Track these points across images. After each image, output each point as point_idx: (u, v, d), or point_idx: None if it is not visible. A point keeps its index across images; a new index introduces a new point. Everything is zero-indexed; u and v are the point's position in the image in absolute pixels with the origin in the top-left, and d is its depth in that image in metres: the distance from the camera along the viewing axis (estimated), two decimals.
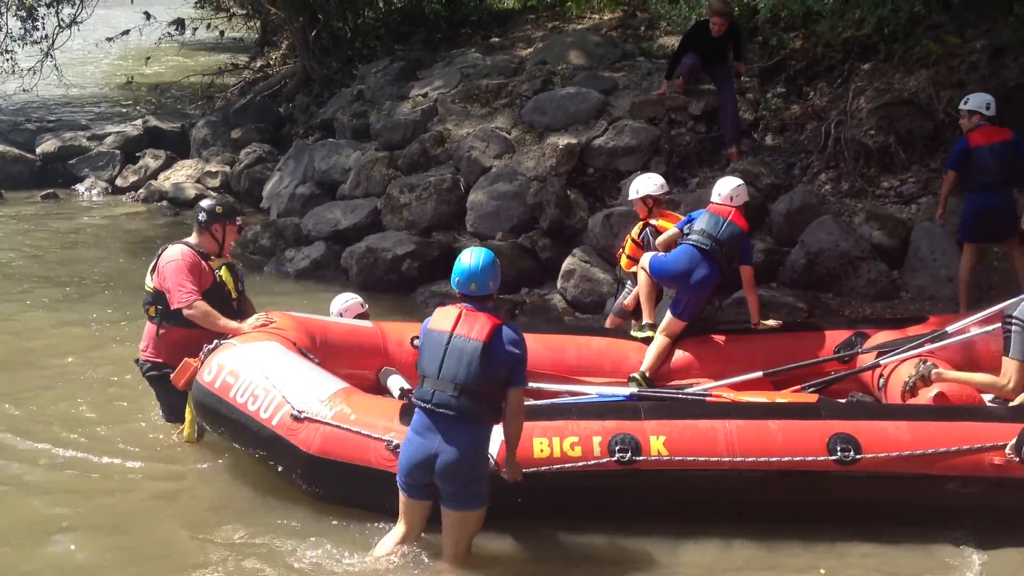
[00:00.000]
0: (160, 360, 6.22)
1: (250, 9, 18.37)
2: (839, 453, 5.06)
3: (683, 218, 7.14)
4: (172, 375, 5.99)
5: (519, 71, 11.99)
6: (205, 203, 6.45)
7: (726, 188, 6.88)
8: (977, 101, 7.70)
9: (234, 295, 6.37)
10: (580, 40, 12.34)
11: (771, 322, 6.95)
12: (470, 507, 4.64)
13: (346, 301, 6.98)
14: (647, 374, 6.52)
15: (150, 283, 6.23)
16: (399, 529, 4.86)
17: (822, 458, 5.07)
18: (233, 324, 6.08)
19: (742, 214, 6.82)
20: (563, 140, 10.07)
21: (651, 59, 11.64)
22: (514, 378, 4.54)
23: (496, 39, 14.15)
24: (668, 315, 6.73)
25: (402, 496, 4.78)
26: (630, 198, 7.43)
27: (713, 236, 6.65)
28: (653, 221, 7.17)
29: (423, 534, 4.90)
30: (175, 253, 6.16)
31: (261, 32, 20.03)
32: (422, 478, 4.62)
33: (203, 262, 6.22)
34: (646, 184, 7.24)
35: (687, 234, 6.80)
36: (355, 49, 15.54)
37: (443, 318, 4.66)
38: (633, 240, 7.30)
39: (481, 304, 4.66)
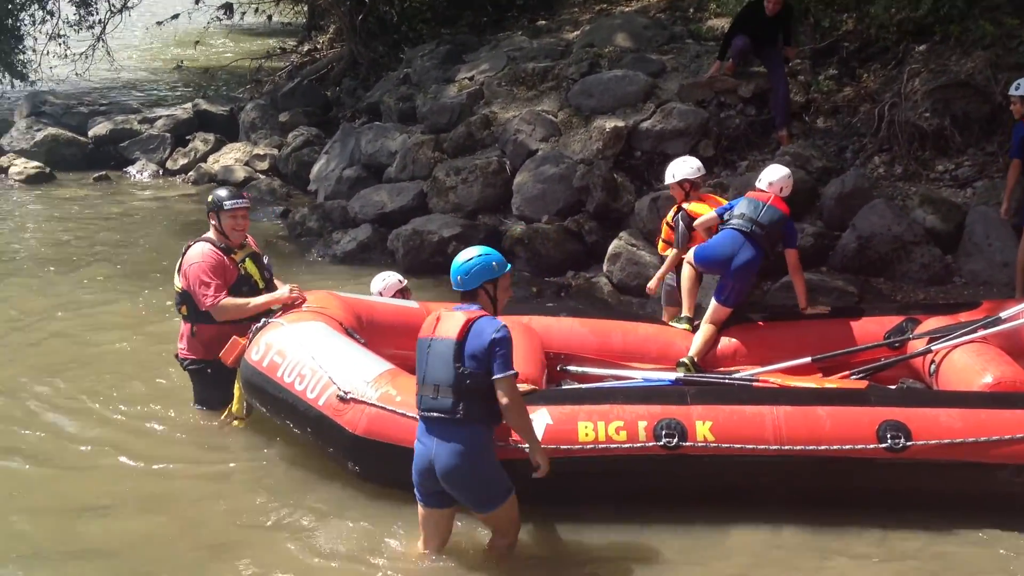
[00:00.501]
0: (197, 357, 6.25)
1: None
2: (889, 440, 4.97)
3: (723, 201, 7.09)
4: (221, 353, 6.01)
5: (566, 54, 11.93)
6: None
7: (773, 176, 6.82)
8: None
9: (261, 286, 6.33)
10: (627, 22, 12.25)
11: (820, 308, 6.85)
12: (489, 508, 4.58)
13: (384, 279, 7.00)
14: (695, 359, 6.46)
15: (178, 283, 6.22)
16: (419, 544, 4.79)
17: (871, 445, 4.98)
18: (264, 298, 6.13)
19: (783, 200, 6.74)
20: (610, 123, 10.00)
21: (700, 41, 11.52)
22: (495, 367, 4.39)
23: (543, 22, 14.09)
24: (713, 302, 6.67)
25: (419, 508, 4.73)
26: (666, 182, 7.35)
27: (754, 219, 6.58)
28: (686, 205, 7.09)
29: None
30: (196, 254, 6.14)
31: (308, 16, 20.14)
32: (432, 485, 4.57)
33: (225, 257, 6.19)
34: (683, 168, 7.18)
35: (727, 220, 6.72)
36: (401, 33, 15.56)
37: (427, 324, 4.67)
38: (668, 224, 7.24)
39: (470, 301, 4.61)
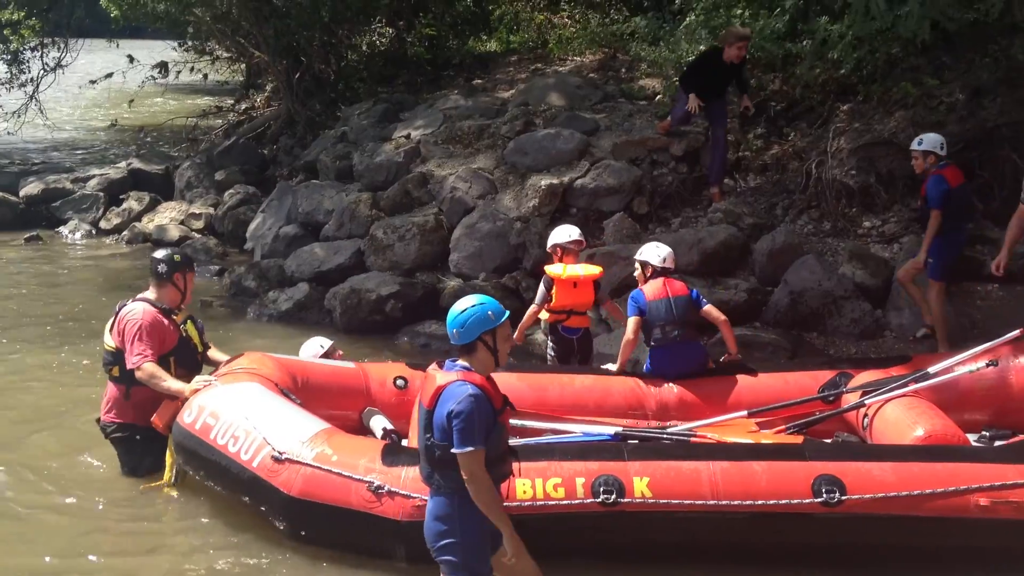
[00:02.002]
0: (127, 421, 6.08)
1: (234, 52, 18.47)
2: (824, 495, 5.02)
3: (592, 268, 7.22)
4: (153, 417, 5.89)
5: (501, 113, 12.05)
6: (161, 254, 6.27)
7: (653, 258, 6.87)
8: (932, 141, 7.78)
9: (200, 349, 6.30)
10: (561, 82, 12.44)
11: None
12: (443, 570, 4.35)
13: (320, 344, 7.00)
14: None
15: (110, 342, 6.06)
16: None
17: (807, 500, 5.03)
18: (177, 386, 5.90)
19: (672, 275, 6.85)
20: (545, 180, 10.09)
21: (632, 101, 11.72)
22: (454, 440, 4.13)
23: (478, 81, 14.24)
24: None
25: None
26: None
27: (675, 322, 6.64)
28: (547, 268, 7.23)
29: None
30: (136, 311, 6.00)
31: (245, 75, 20.11)
32: None
33: (165, 319, 6.07)
34: (554, 235, 7.41)
35: (652, 323, 6.70)
36: (338, 91, 15.62)
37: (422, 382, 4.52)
38: None
39: (467, 355, 4.35)
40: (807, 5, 10.07)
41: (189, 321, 6.26)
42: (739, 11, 10.73)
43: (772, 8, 10.30)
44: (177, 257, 6.24)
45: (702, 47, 10.68)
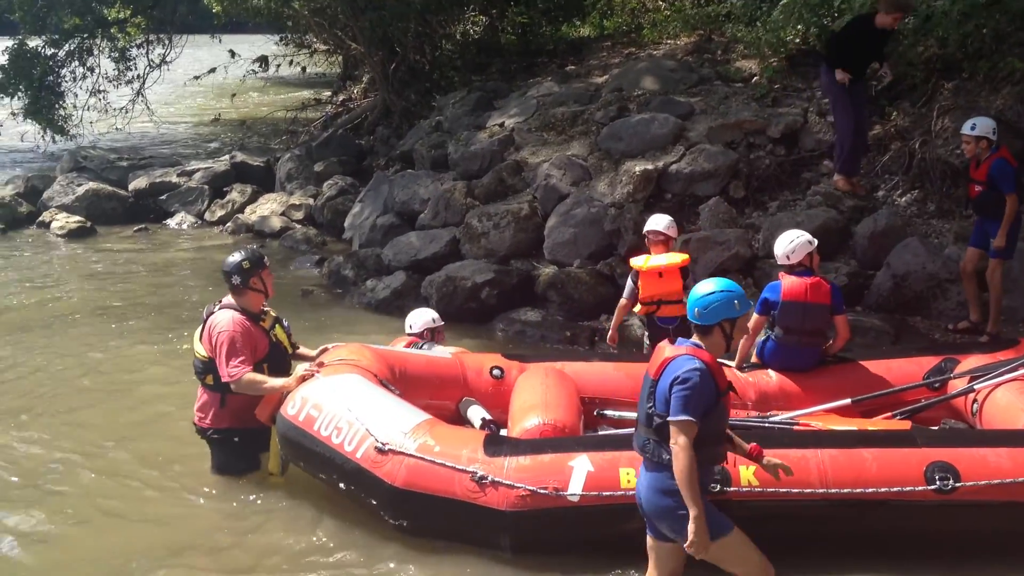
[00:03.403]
0: (225, 426, 6.07)
1: (331, 45, 18.78)
2: (937, 482, 4.91)
3: (678, 256, 7.12)
4: (256, 409, 5.97)
5: (595, 98, 12.01)
6: (229, 265, 6.02)
7: (789, 248, 6.57)
8: (985, 126, 7.59)
9: (290, 351, 6.27)
10: (655, 66, 12.33)
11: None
12: (663, 538, 4.43)
13: (418, 316, 7.22)
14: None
15: (201, 350, 5.98)
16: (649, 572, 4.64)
17: (920, 488, 4.93)
18: (280, 383, 5.89)
19: (816, 275, 6.58)
20: (639, 166, 10.03)
21: (728, 83, 11.55)
22: (671, 407, 4.17)
23: (571, 67, 14.20)
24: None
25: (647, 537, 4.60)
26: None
27: (800, 330, 6.47)
28: (632, 260, 7.22)
29: None
30: (225, 323, 5.89)
31: (342, 67, 20.47)
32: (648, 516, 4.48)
33: (254, 326, 6.00)
34: (652, 222, 7.38)
35: (772, 317, 6.56)
36: (433, 81, 15.77)
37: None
38: None
39: (703, 335, 4.38)
40: None
41: (277, 325, 6.20)
42: None
43: None
44: (246, 264, 6.00)
45: (800, 27, 10.45)
